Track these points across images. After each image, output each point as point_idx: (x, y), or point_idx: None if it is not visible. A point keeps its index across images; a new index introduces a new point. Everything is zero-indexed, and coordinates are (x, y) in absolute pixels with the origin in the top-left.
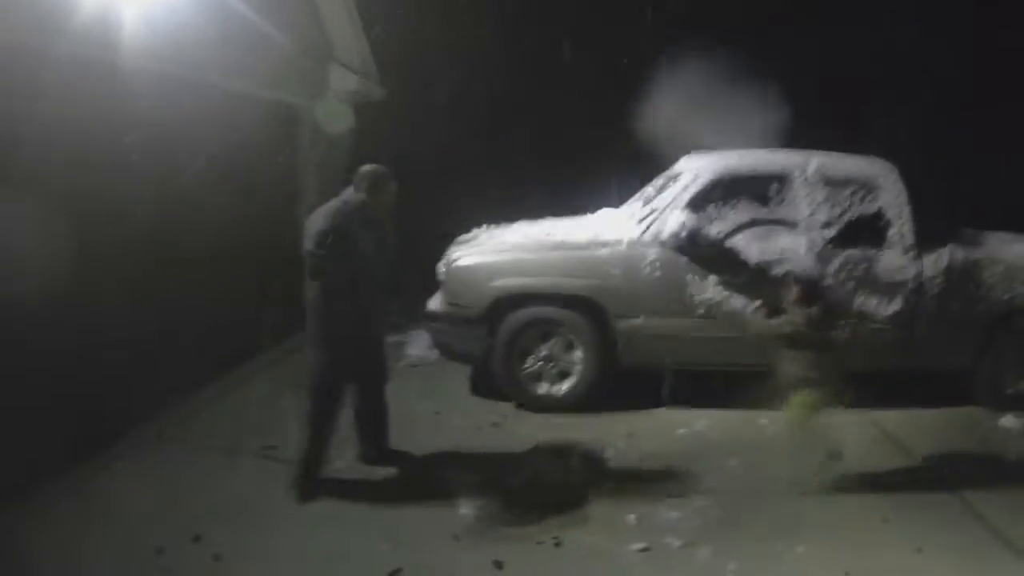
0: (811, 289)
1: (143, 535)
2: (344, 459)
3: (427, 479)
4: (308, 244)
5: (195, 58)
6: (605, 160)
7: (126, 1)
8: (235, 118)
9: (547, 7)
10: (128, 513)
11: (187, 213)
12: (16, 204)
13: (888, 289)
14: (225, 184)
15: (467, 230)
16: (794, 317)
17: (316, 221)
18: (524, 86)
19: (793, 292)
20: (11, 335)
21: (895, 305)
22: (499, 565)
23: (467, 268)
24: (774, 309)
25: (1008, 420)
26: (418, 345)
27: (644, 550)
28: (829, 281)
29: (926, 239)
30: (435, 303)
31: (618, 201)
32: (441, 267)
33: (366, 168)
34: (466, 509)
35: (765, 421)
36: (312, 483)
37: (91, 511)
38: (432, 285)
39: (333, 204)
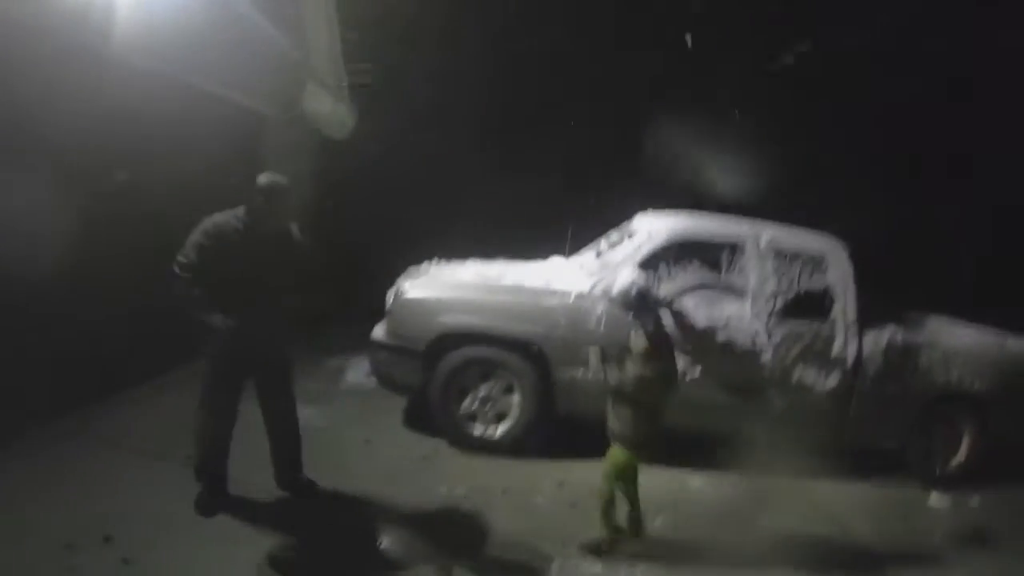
0: (660, 344)
1: (55, 529)
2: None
3: (342, 508)
4: (179, 253)
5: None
6: (563, 197)
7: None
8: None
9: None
10: (41, 505)
11: (143, 219)
12: None
13: (828, 364)
14: (188, 190)
15: (419, 261)
16: (633, 371)
17: (194, 231)
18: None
19: (641, 345)
20: None
21: (833, 380)
22: None
23: (415, 301)
24: (615, 357)
25: (936, 499)
26: (357, 371)
27: None
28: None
29: (869, 318)
30: (379, 331)
31: (569, 248)
32: (390, 296)
33: (261, 178)
34: (382, 544)
35: (698, 483)
36: (210, 498)
37: (5, 501)
38: (381, 310)
39: (217, 216)
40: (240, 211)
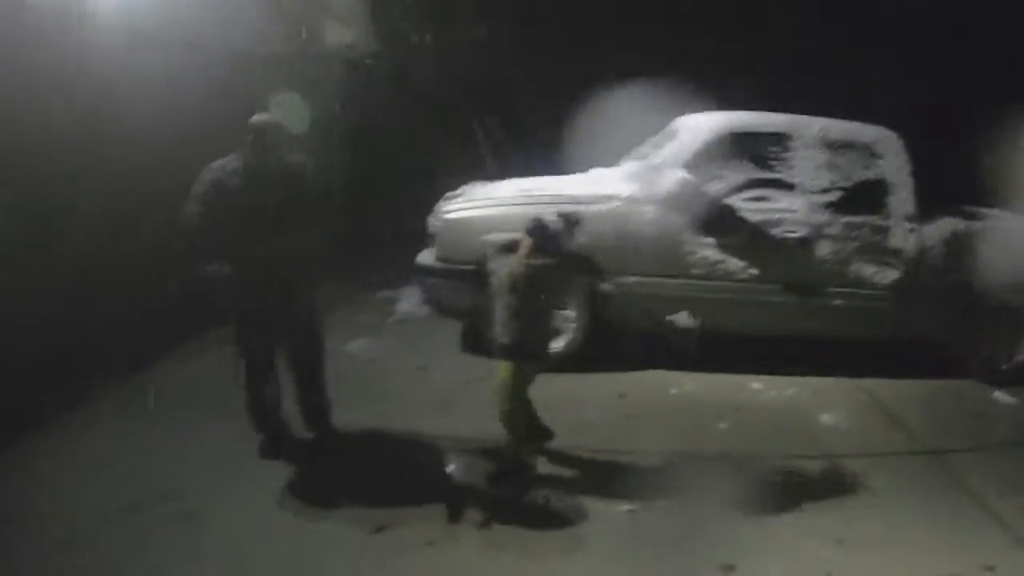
0: (545, 245)
1: (118, 492)
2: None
3: (402, 438)
4: (183, 206)
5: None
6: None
7: None
8: (222, 73)
9: None
10: (104, 468)
11: (169, 175)
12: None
13: (885, 257)
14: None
15: (455, 187)
16: (515, 266)
17: (195, 182)
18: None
19: (525, 244)
20: None
21: (891, 274)
22: (487, 523)
23: (459, 222)
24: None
25: (1001, 395)
26: (408, 300)
27: (631, 511)
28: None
29: (925, 210)
30: (426, 257)
31: (607, 161)
32: (432, 221)
33: (252, 119)
34: (451, 466)
35: (758, 385)
36: (270, 442)
37: (66, 467)
38: (423, 240)
39: (214, 163)
40: (235, 155)
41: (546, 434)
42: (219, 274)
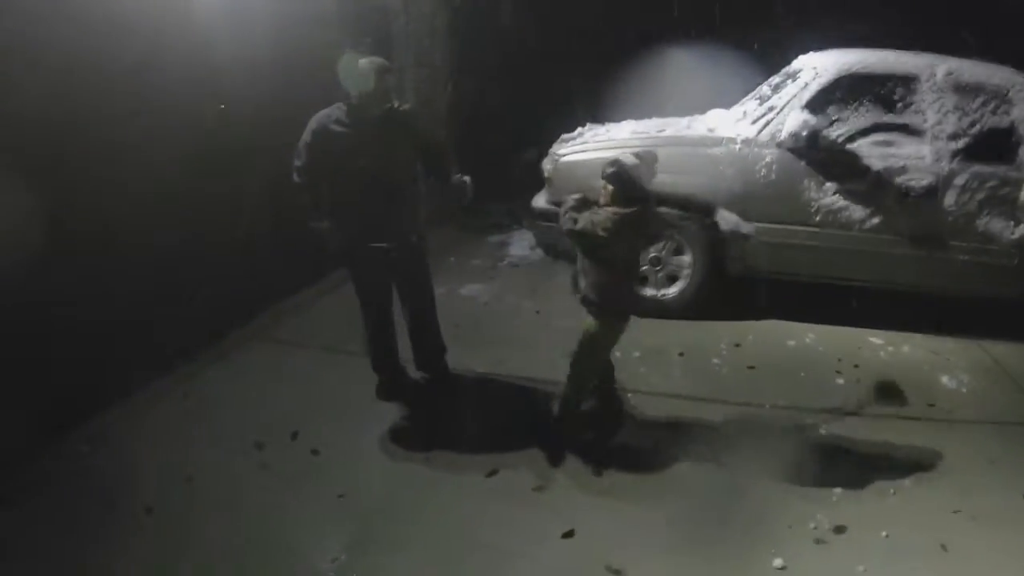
0: (628, 189)
1: (243, 431)
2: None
3: (519, 380)
4: (294, 158)
5: None
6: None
7: None
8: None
9: None
10: (230, 409)
11: (279, 117)
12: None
13: (1015, 211)
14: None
15: (571, 128)
16: (595, 214)
17: (304, 133)
18: None
19: (604, 191)
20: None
21: (1021, 229)
22: (599, 472)
23: (574, 164)
24: (589, 203)
25: None
26: (520, 245)
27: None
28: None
29: None
30: (539, 201)
31: (727, 103)
32: (546, 164)
33: (358, 63)
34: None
35: (878, 340)
36: (387, 384)
37: (192, 407)
38: (536, 184)
39: (320, 112)
40: (342, 102)
41: (611, 413)
42: (324, 228)
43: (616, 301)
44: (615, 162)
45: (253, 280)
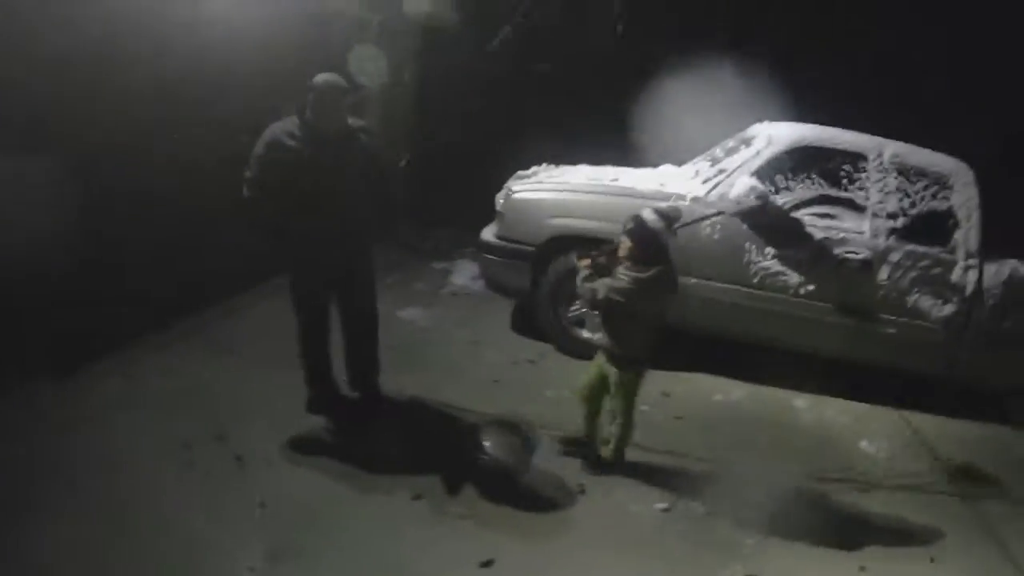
0: (646, 247)
1: (172, 429)
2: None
3: (447, 408)
4: (246, 169)
5: None
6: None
7: None
8: (292, 31)
9: None
10: (161, 406)
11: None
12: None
13: (945, 291)
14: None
15: (527, 165)
16: (617, 280)
17: (256, 144)
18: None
19: (624, 246)
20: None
21: (949, 308)
22: (520, 506)
23: (526, 202)
24: (602, 267)
25: None
26: (463, 274)
27: (666, 510)
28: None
29: (990, 249)
30: (488, 234)
31: (677, 160)
32: (499, 199)
33: (314, 79)
34: (492, 442)
35: (801, 403)
36: (318, 398)
37: (126, 399)
38: (486, 216)
39: (275, 124)
40: (293, 117)
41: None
42: (278, 245)
43: (644, 353)
44: (636, 218)
45: (204, 276)
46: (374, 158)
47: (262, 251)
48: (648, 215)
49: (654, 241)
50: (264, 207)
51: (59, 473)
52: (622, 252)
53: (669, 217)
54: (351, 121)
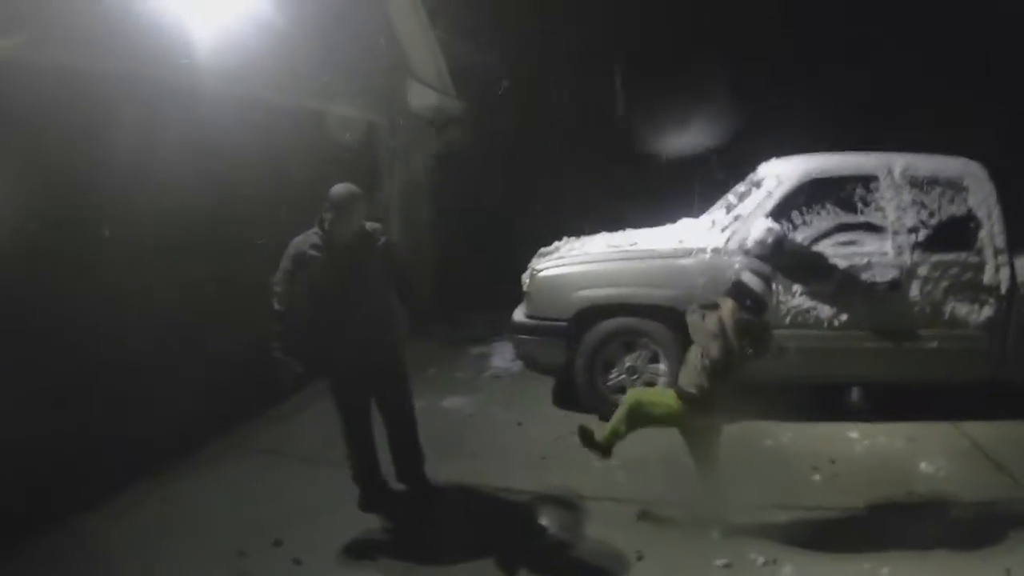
0: (750, 302)
1: (225, 538)
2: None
3: (500, 491)
4: (273, 283)
5: (267, 78)
6: (682, 169)
7: (196, 22)
8: (310, 137)
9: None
10: (211, 516)
11: (269, 235)
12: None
13: (979, 294)
14: (303, 203)
15: (548, 242)
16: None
17: (282, 259)
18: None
19: (726, 307)
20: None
21: (986, 311)
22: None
23: (551, 279)
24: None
25: None
26: (501, 356)
27: (727, 566)
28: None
29: (1017, 242)
30: (519, 314)
31: (698, 210)
32: (525, 278)
33: (332, 189)
34: (545, 521)
35: (855, 434)
36: (369, 495)
37: (174, 514)
38: (516, 296)
39: (297, 238)
40: (317, 227)
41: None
42: (286, 365)
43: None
44: (737, 283)
45: (236, 389)
46: (392, 256)
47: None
48: (746, 277)
49: (757, 299)
50: (291, 320)
51: None
52: (725, 312)
53: (764, 274)
54: (368, 225)
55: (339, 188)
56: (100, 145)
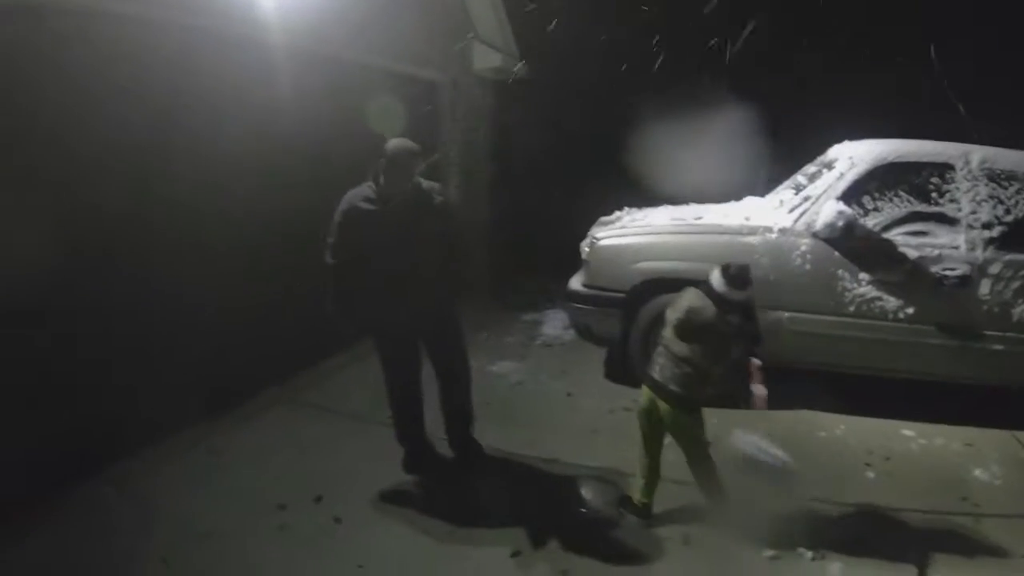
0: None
1: (267, 490)
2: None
3: (547, 461)
4: (328, 236)
5: (335, 35)
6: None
7: None
8: (376, 94)
9: None
10: (255, 468)
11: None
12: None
13: None
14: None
15: (608, 212)
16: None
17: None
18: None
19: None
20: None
21: None
22: (624, 558)
23: (611, 249)
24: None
25: None
26: (553, 324)
27: (774, 558)
28: None
29: None
30: (575, 283)
31: (762, 191)
32: (584, 247)
33: (388, 144)
34: (591, 495)
35: (910, 432)
36: (414, 455)
37: (219, 464)
38: (571, 264)
39: (350, 191)
40: (371, 181)
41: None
42: (341, 317)
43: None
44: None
45: (285, 343)
46: (446, 217)
47: (338, 329)
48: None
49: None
50: (344, 273)
51: (151, 547)
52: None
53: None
54: (424, 183)
55: (394, 143)
56: (164, 98)
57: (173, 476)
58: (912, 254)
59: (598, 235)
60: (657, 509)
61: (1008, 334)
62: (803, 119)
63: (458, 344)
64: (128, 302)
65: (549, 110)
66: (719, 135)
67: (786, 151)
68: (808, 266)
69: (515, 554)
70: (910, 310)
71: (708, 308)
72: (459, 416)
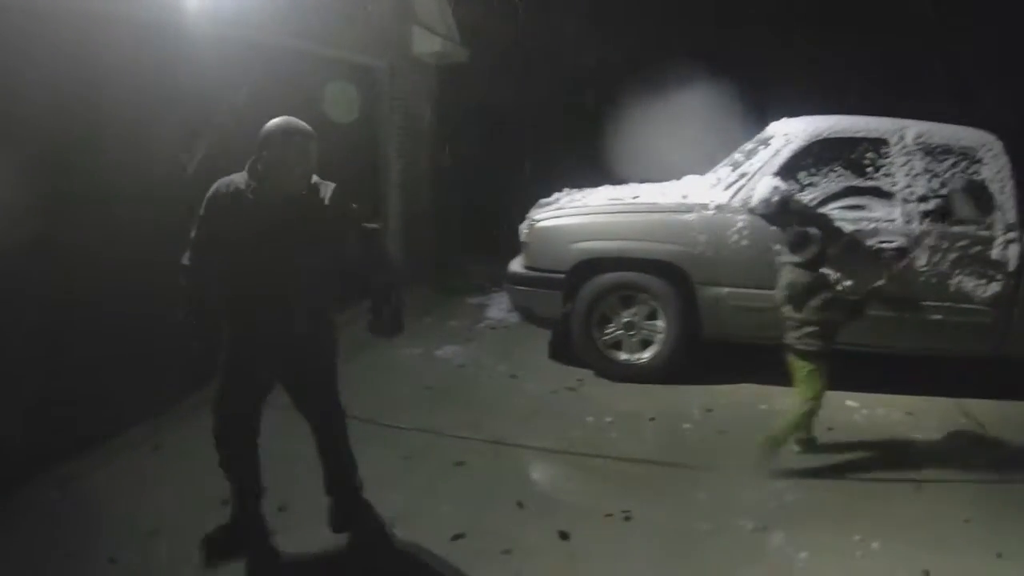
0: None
1: (212, 485)
2: None
3: (495, 443)
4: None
5: (266, 20)
6: (689, 123)
7: None
8: (309, 81)
9: None
10: (200, 464)
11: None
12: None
13: (987, 269)
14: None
15: (548, 193)
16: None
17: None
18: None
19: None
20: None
21: (993, 286)
22: (565, 536)
23: (549, 230)
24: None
25: None
26: (499, 307)
27: (715, 531)
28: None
29: None
30: (516, 265)
31: (704, 167)
32: (523, 229)
33: (268, 123)
34: (534, 476)
35: (853, 403)
36: (225, 532)
37: (164, 461)
38: (517, 247)
39: (224, 179)
40: (246, 171)
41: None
42: (190, 331)
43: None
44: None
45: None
46: (342, 225)
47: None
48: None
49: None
50: (202, 276)
51: (98, 548)
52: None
53: None
54: (316, 180)
55: (276, 122)
56: (88, 86)
57: (119, 474)
58: (848, 228)
59: (536, 217)
60: (597, 486)
61: (945, 304)
62: (761, 98)
63: (326, 388)
64: (72, 297)
65: (493, 95)
66: (670, 115)
67: (741, 130)
68: (745, 242)
69: (456, 537)
70: (848, 283)
71: (801, 275)
72: (339, 475)
